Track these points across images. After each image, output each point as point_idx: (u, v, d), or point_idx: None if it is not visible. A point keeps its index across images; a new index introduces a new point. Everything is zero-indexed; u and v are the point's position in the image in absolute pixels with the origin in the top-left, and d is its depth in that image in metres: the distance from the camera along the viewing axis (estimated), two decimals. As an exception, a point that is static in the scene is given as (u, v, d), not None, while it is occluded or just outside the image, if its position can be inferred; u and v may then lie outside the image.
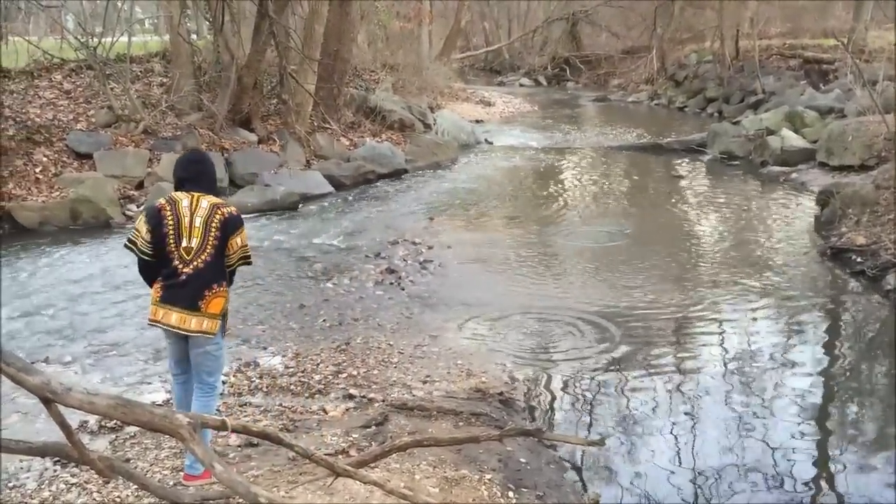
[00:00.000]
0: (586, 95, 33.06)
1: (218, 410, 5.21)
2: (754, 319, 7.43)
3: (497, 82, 39.19)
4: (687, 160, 16.91)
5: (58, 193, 11.26)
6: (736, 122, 19.13)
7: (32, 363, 2.95)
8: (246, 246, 4.30)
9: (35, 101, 13.58)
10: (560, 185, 14.66)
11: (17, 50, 14.94)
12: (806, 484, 4.71)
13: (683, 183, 14.76)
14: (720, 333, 7.09)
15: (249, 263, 4.43)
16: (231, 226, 4.17)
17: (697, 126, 21.30)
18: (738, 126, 17.96)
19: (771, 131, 15.95)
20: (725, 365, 6.40)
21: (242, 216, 4.35)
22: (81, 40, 14.24)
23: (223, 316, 4.25)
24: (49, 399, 2.64)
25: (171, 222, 4.11)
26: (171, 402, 5.47)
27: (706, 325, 7.28)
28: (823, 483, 4.77)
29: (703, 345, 6.83)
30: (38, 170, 11.70)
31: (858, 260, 8.75)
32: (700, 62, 28.65)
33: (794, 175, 14.10)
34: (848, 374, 6.36)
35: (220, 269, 4.21)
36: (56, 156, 12.20)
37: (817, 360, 6.62)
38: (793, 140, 15.21)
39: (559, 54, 40.71)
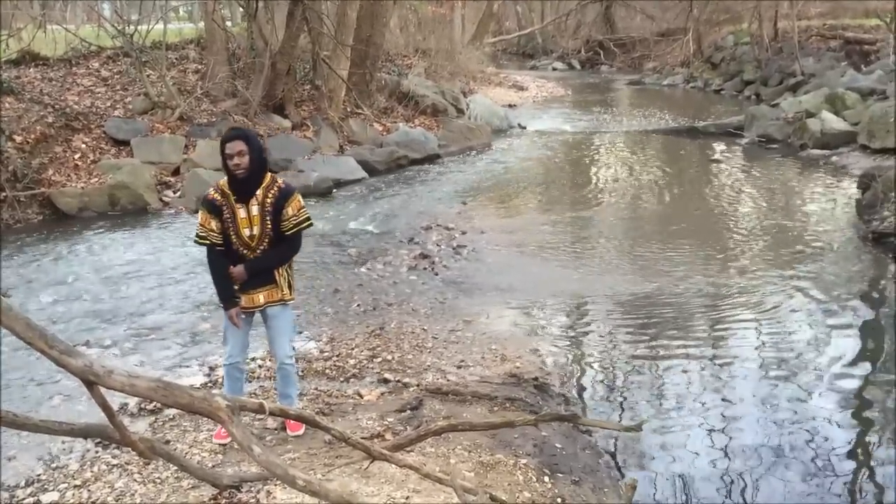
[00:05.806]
0: (621, 79, 32.72)
1: (255, 394, 5.28)
2: (793, 304, 7.30)
3: (530, 66, 38.94)
4: (724, 144, 16.66)
5: (96, 180, 11.43)
6: (774, 104, 18.78)
7: (74, 346, 2.98)
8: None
9: (73, 88, 13.78)
10: (594, 170, 14.53)
11: (55, 38, 15.13)
12: (844, 472, 4.63)
13: (720, 167, 14.54)
14: (758, 319, 6.96)
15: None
16: None
17: (734, 109, 20.97)
18: (776, 109, 17.64)
19: (810, 114, 15.62)
20: (763, 351, 6.30)
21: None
22: (118, 28, 14.41)
23: None
24: (91, 381, 2.66)
25: None
26: (209, 384, 5.55)
27: (743, 310, 7.17)
28: (862, 471, 4.69)
29: (741, 330, 6.73)
30: (76, 156, 11.89)
31: (901, 244, 8.58)
32: (737, 44, 28.16)
33: (834, 158, 13.84)
34: (889, 362, 6.22)
35: None
36: (94, 142, 12.38)
37: (857, 347, 6.48)
38: (833, 122, 14.90)
39: (593, 37, 40.38)
